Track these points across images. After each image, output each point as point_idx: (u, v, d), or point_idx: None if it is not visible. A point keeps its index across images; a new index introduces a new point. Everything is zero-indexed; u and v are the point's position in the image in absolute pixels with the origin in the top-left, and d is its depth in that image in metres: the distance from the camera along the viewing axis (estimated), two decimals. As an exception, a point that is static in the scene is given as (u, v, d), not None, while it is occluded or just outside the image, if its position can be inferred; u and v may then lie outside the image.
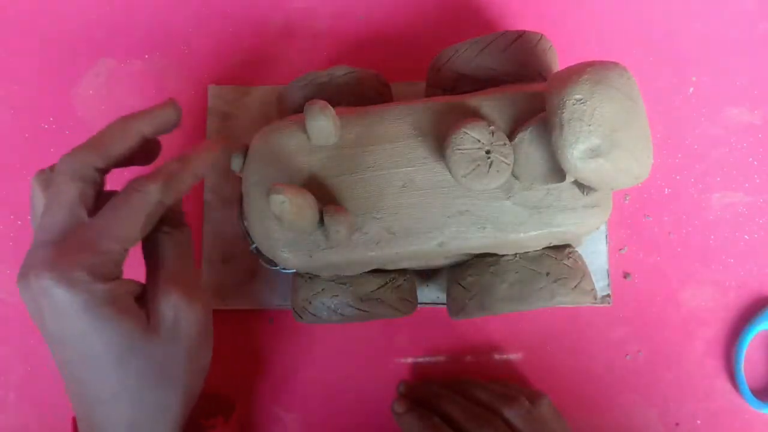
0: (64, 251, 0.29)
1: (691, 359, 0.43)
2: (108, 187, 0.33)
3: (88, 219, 0.31)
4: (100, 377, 0.30)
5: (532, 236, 0.34)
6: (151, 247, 0.33)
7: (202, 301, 0.32)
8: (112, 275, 0.30)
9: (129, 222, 0.30)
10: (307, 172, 0.35)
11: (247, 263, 0.44)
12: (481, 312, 0.36)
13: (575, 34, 0.46)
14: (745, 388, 0.42)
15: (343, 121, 0.35)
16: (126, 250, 0.31)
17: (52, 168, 0.33)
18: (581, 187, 0.34)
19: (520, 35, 0.37)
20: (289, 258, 0.35)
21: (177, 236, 0.33)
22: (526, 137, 0.33)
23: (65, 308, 0.29)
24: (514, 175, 0.34)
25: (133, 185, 0.31)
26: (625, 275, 0.44)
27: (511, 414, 0.38)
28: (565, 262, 0.36)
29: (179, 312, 0.31)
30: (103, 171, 0.32)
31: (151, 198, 0.31)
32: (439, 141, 0.34)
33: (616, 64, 0.31)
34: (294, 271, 0.38)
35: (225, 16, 0.47)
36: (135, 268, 0.33)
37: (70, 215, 0.30)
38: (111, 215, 0.31)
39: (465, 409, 0.39)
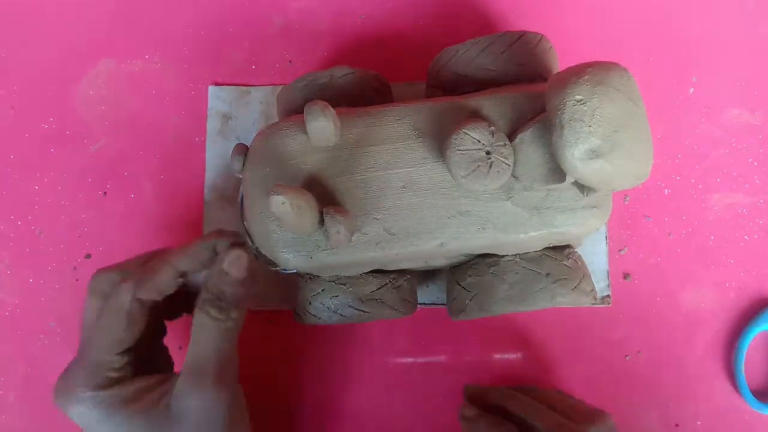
0: (72, 372, 0.33)
1: (691, 360, 0.43)
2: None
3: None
4: None
5: (532, 237, 0.34)
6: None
7: (217, 389, 0.32)
8: (113, 381, 0.32)
9: (111, 329, 0.32)
10: (307, 172, 0.35)
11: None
12: (481, 312, 0.36)
13: (575, 35, 0.46)
14: (746, 388, 0.42)
15: (343, 122, 0.35)
16: (121, 353, 0.32)
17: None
18: (581, 187, 0.34)
19: (521, 36, 0.37)
20: (289, 259, 0.35)
21: (220, 324, 0.32)
22: (527, 138, 0.33)
23: (86, 421, 0.32)
24: (514, 176, 0.34)
25: (109, 293, 0.33)
26: (625, 276, 0.44)
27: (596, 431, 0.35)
28: (565, 262, 0.36)
29: (186, 399, 0.32)
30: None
31: (123, 298, 0.32)
32: (440, 141, 0.34)
33: (616, 64, 0.31)
34: (294, 271, 0.38)
35: (225, 16, 0.47)
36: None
37: (86, 330, 0.33)
38: (97, 326, 0.33)
39: (547, 418, 0.35)
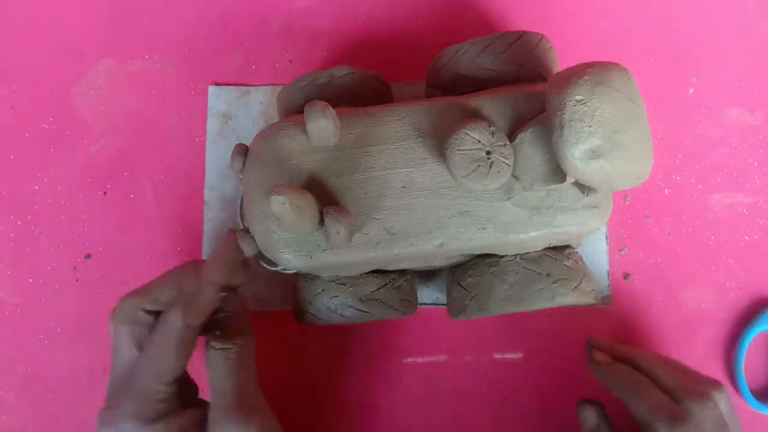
0: (115, 401, 0.32)
1: (691, 360, 0.43)
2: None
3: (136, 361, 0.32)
4: None
5: (532, 237, 0.34)
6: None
7: (242, 419, 0.32)
8: (159, 413, 0.32)
9: (160, 358, 0.32)
10: (307, 172, 0.35)
11: (247, 263, 0.44)
12: (482, 312, 0.36)
13: (575, 35, 0.46)
14: (746, 389, 0.42)
15: (343, 122, 0.35)
16: (170, 384, 0.32)
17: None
18: (582, 187, 0.34)
19: (521, 36, 0.37)
20: (290, 259, 0.35)
21: (224, 353, 0.32)
22: (527, 138, 0.33)
23: None
24: (514, 176, 0.34)
25: (159, 318, 0.33)
26: (625, 276, 0.44)
27: (720, 398, 0.35)
28: (566, 262, 0.36)
29: None
30: (157, 313, 0.33)
31: (174, 325, 0.32)
32: (440, 141, 0.34)
33: (616, 64, 0.31)
34: (294, 271, 0.38)
35: (225, 16, 0.47)
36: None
37: (122, 358, 0.33)
38: (145, 355, 0.32)
39: (677, 378, 0.36)
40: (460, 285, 0.37)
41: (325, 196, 0.34)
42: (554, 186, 0.34)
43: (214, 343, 0.32)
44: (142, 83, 0.47)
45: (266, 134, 0.36)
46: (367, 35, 0.47)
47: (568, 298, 0.35)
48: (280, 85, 0.46)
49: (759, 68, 0.46)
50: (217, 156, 0.45)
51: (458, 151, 0.33)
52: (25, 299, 0.45)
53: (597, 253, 0.43)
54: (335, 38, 0.47)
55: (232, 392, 0.32)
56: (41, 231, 0.45)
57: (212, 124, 0.45)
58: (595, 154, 0.29)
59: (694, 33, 0.46)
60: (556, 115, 0.30)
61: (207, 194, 0.45)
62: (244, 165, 0.36)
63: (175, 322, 0.32)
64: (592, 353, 0.39)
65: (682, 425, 0.33)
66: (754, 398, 0.42)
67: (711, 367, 0.43)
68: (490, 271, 0.36)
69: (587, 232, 0.35)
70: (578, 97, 0.29)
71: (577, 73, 0.30)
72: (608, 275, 0.43)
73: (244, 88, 0.46)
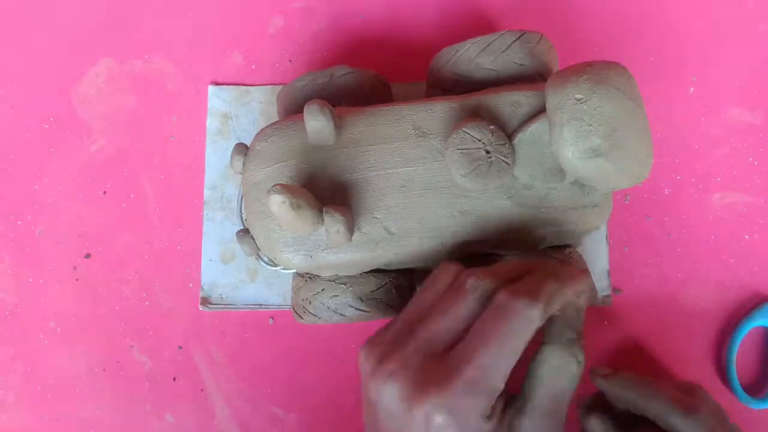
0: (458, 392, 0.28)
1: (691, 359, 0.43)
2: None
3: (467, 346, 0.29)
4: None
5: (532, 236, 0.34)
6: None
7: None
8: (495, 412, 0.29)
9: (513, 357, 0.28)
10: (307, 172, 0.35)
11: (247, 263, 0.44)
12: (481, 312, 0.36)
13: (575, 34, 0.46)
14: (737, 384, 0.42)
15: (343, 121, 0.35)
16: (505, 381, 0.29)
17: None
18: (581, 186, 0.34)
19: (520, 35, 0.37)
20: (290, 258, 0.35)
21: (575, 362, 0.30)
22: (526, 137, 0.33)
23: None
24: (514, 175, 0.34)
25: (506, 306, 0.28)
26: (626, 276, 0.44)
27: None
28: (566, 262, 0.36)
29: None
30: None
31: (535, 325, 0.28)
32: (439, 141, 0.34)
33: (616, 64, 0.31)
34: (294, 271, 0.38)
35: (225, 16, 0.47)
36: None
37: (455, 331, 0.30)
38: (494, 351, 0.28)
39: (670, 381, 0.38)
40: (460, 284, 0.37)
41: (324, 195, 0.34)
42: (554, 185, 0.34)
43: (579, 353, 0.30)
44: (142, 83, 0.47)
45: (266, 133, 0.36)
46: (367, 35, 0.47)
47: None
48: (280, 84, 0.46)
49: (759, 68, 0.46)
50: (216, 156, 0.45)
51: (458, 150, 0.33)
52: (25, 299, 0.45)
53: (597, 252, 0.43)
54: (335, 38, 0.47)
55: (567, 405, 0.31)
56: (41, 231, 0.45)
57: (212, 124, 0.45)
58: (594, 152, 0.29)
59: (694, 33, 0.46)
60: (555, 113, 0.30)
61: (207, 194, 0.45)
62: (243, 164, 0.36)
63: (536, 321, 0.28)
64: (593, 369, 0.38)
65: (697, 414, 0.34)
66: (744, 393, 0.42)
67: (711, 366, 0.43)
68: (490, 271, 0.36)
69: (587, 232, 0.35)
70: (578, 96, 0.29)
71: (576, 72, 0.30)
72: (608, 275, 0.43)
73: (244, 87, 0.46)
